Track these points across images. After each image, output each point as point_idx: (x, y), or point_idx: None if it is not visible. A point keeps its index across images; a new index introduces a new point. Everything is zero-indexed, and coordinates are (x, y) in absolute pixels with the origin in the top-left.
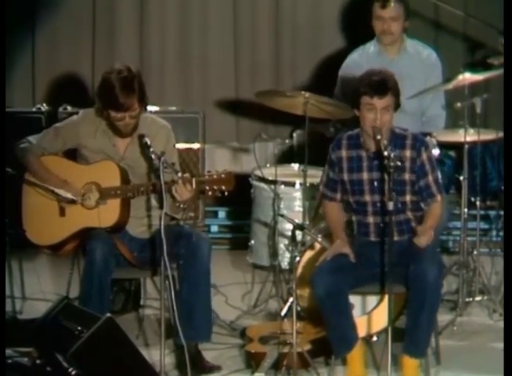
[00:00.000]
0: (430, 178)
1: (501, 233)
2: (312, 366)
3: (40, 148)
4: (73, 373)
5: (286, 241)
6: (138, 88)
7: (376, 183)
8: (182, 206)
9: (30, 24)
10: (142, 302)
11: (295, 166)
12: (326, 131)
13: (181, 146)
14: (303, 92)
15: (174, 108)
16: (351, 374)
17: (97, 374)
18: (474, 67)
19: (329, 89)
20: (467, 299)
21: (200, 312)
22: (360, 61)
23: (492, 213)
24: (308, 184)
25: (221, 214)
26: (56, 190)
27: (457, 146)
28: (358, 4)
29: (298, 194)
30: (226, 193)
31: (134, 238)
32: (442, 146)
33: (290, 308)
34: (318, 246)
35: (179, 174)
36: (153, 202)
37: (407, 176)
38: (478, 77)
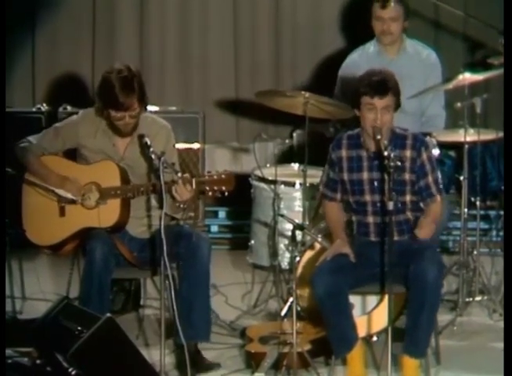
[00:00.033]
0: (430, 178)
1: (501, 233)
2: (312, 366)
3: (40, 148)
4: (73, 373)
5: (286, 241)
6: (138, 88)
7: (376, 183)
8: (182, 206)
9: (30, 24)
10: (142, 302)
11: (295, 166)
12: (326, 132)
13: (181, 146)
14: (303, 92)
15: (174, 108)
16: (351, 374)
17: (97, 374)
18: (474, 67)
19: (329, 89)
20: (467, 299)
21: (199, 312)
22: (360, 61)
23: (492, 213)
24: (308, 184)
25: (221, 214)
26: (56, 190)
27: (457, 146)
28: (358, 4)
29: (298, 194)
30: (226, 194)
31: (134, 238)
32: (442, 146)
33: (290, 308)
34: (318, 246)
35: (179, 174)
36: (153, 202)
37: (407, 176)
38: (478, 77)
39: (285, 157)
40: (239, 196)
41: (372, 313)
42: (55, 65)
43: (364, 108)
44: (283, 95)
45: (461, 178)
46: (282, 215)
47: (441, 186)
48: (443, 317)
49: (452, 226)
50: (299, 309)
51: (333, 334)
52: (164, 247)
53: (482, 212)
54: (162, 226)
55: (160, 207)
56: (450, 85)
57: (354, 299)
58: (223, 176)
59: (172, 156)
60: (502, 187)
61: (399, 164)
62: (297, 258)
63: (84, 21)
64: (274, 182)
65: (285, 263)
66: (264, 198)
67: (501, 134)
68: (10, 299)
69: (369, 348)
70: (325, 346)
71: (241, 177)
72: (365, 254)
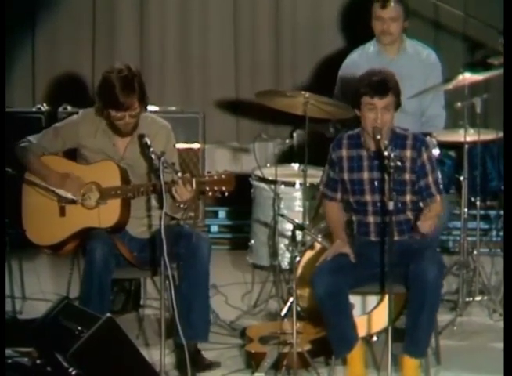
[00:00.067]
0: (431, 178)
1: (501, 233)
2: (312, 366)
3: (40, 148)
4: (73, 373)
5: (286, 241)
6: (139, 88)
7: (376, 183)
8: (182, 206)
9: (30, 24)
10: (142, 302)
11: (295, 166)
12: (326, 132)
13: (181, 146)
14: (303, 92)
15: (174, 108)
16: (351, 374)
17: (97, 374)
18: (474, 67)
19: (329, 89)
20: (467, 299)
21: (198, 312)
22: (360, 61)
23: (492, 213)
24: (308, 184)
25: (221, 214)
26: (56, 190)
27: (457, 146)
28: (358, 4)
29: (298, 194)
30: (226, 194)
31: (134, 238)
32: (442, 146)
33: (290, 308)
34: (318, 246)
35: (179, 174)
36: (153, 202)
37: (407, 176)
38: (478, 77)
39: (285, 157)
40: (239, 196)
41: (372, 313)
42: (55, 65)
43: (364, 108)
44: (283, 96)
45: (461, 178)
46: (282, 215)
47: (441, 186)
48: (443, 317)
49: (452, 226)
50: (299, 309)
51: (333, 334)
52: (164, 247)
53: (482, 212)
54: (162, 226)
55: (160, 207)
56: (450, 85)
57: (354, 299)
58: (223, 176)
59: (172, 156)
60: (502, 187)
61: (399, 164)
62: (297, 258)
63: (84, 21)
64: (274, 182)
65: (285, 263)
66: (264, 198)
67: (501, 134)
68: (10, 299)
69: (369, 348)
70: (325, 346)
71: (241, 177)
72: (366, 254)
